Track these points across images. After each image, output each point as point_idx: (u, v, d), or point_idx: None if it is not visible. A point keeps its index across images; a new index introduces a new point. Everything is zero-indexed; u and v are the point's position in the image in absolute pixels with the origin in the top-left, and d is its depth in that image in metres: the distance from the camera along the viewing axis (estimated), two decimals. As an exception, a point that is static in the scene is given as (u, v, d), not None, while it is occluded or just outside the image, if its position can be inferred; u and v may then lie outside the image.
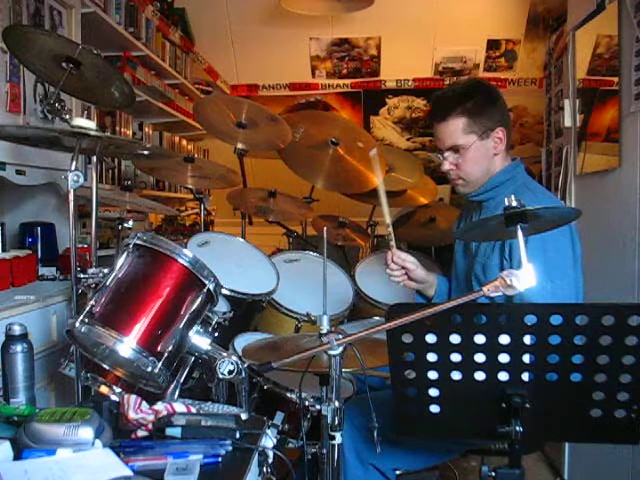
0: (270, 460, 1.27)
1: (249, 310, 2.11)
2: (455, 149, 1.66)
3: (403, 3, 4.37)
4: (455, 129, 1.64)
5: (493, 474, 1.14)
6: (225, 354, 1.44)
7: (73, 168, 1.58)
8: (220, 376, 1.42)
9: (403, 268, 1.75)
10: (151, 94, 3.71)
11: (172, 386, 1.53)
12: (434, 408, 1.21)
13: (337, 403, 1.24)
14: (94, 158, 1.91)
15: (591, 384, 1.14)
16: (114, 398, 1.41)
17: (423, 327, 1.15)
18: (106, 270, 1.58)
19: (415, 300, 1.89)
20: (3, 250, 2.14)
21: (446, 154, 1.68)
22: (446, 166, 1.69)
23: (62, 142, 1.68)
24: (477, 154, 1.65)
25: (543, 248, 1.48)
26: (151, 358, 1.32)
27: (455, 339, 1.15)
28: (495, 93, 1.70)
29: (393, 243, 1.75)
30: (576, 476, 2.41)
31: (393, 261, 1.74)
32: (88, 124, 1.58)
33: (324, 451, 1.27)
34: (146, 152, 1.71)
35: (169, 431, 1.25)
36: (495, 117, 1.65)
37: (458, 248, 1.84)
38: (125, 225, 2.30)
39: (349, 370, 1.35)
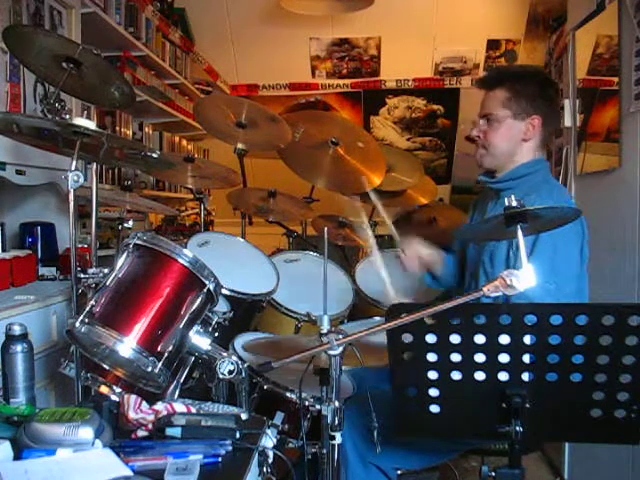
0: (270, 460, 1.27)
1: (249, 310, 2.11)
2: (488, 118, 1.70)
3: (403, 3, 4.37)
4: (495, 100, 1.69)
5: (493, 474, 1.14)
6: (225, 354, 1.44)
7: (73, 168, 1.58)
8: (220, 376, 1.42)
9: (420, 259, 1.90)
10: (151, 94, 3.71)
11: (172, 386, 1.53)
12: (434, 408, 1.21)
13: (337, 403, 1.24)
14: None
15: (591, 384, 1.14)
16: (114, 398, 1.41)
17: (423, 327, 1.15)
18: (106, 270, 1.58)
19: (424, 281, 1.97)
20: (3, 250, 2.14)
21: (479, 121, 1.73)
22: (474, 132, 1.74)
23: (64, 142, 1.67)
24: (506, 131, 1.68)
25: (553, 248, 1.49)
26: (151, 358, 1.32)
27: (455, 339, 1.15)
28: (548, 86, 1.73)
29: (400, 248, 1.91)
30: (576, 476, 2.40)
31: (411, 261, 1.90)
32: (88, 124, 1.58)
33: (324, 451, 1.27)
34: (155, 155, 1.71)
35: (169, 431, 1.25)
36: (537, 106, 1.67)
37: None
38: (125, 225, 2.30)
39: (348, 368, 1.35)
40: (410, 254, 1.90)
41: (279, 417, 1.63)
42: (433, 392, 1.20)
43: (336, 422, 1.24)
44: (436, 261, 1.91)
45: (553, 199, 1.60)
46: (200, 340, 1.43)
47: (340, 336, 1.20)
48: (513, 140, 1.68)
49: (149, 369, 1.32)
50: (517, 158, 1.70)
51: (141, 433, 1.29)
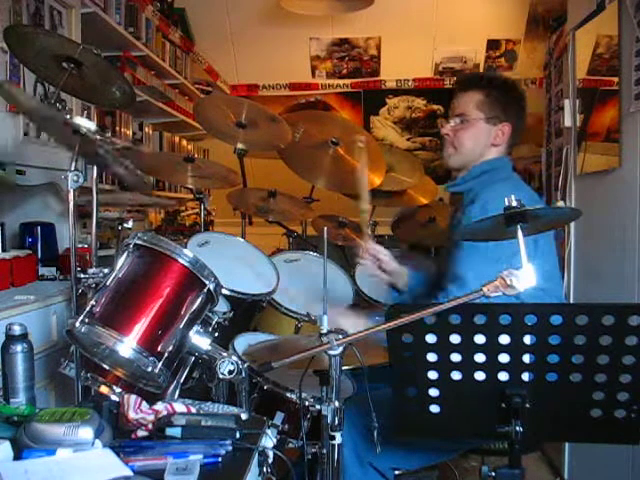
0: (270, 460, 1.27)
1: (249, 310, 2.11)
2: (461, 118, 1.72)
3: (403, 3, 4.37)
4: (469, 101, 1.72)
5: (493, 474, 1.14)
6: (225, 354, 1.44)
7: (73, 168, 1.58)
8: (220, 376, 1.42)
9: (377, 260, 1.84)
10: (151, 94, 3.70)
11: (172, 386, 1.53)
12: (434, 408, 1.21)
13: (337, 403, 1.24)
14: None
15: (591, 384, 1.14)
16: (114, 398, 1.41)
17: (423, 327, 1.15)
18: (106, 270, 1.58)
19: (391, 294, 1.92)
20: (3, 250, 2.14)
21: (452, 120, 1.75)
22: (445, 129, 1.76)
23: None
24: (477, 132, 1.71)
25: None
26: (151, 358, 1.32)
27: (455, 339, 1.15)
28: (519, 96, 1.77)
29: (369, 232, 1.89)
30: (576, 476, 2.40)
31: (368, 252, 1.84)
32: (88, 124, 1.58)
33: (324, 451, 1.27)
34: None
35: (169, 431, 1.25)
36: (508, 113, 1.71)
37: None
38: (125, 225, 2.29)
39: (349, 367, 1.35)
40: (371, 251, 1.84)
41: (279, 417, 1.63)
42: (433, 392, 1.20)
43: (336, 422, 1.24)
44: (397, 272, 1.84)
45: (507, 191, 1.59)
46: (200, 340, 1.43)
47: (340, 336, 1.21)
48: (482, 142, 1.71)
49: (149, 369, 1.32)
50: (483, 159, 1.72)
51: (141, 433, 1.29)
